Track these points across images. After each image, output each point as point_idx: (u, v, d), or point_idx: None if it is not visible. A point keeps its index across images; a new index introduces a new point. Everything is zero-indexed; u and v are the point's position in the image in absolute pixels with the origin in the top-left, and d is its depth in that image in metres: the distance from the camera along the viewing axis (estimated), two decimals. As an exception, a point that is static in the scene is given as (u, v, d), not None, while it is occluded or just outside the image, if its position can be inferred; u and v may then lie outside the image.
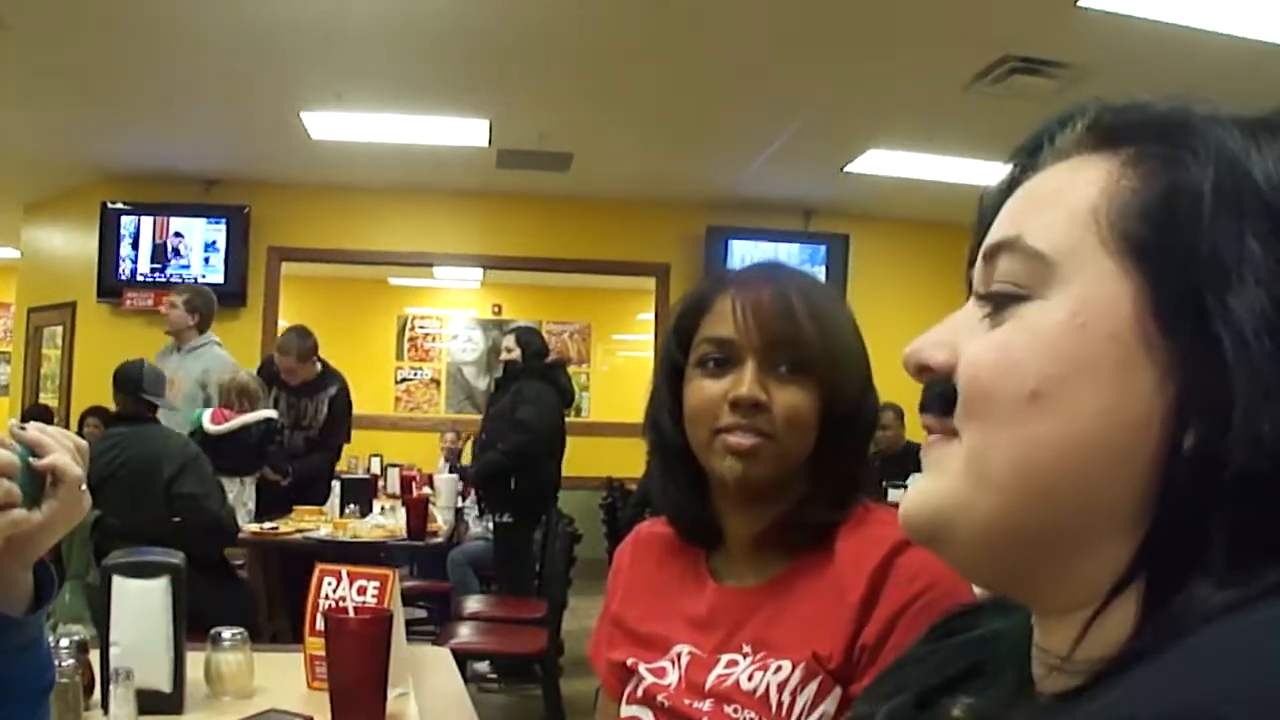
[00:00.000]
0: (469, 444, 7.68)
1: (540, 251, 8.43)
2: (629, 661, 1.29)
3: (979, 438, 0.55)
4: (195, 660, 1.88)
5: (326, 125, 6.41)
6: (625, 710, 1.28)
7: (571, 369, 7.17)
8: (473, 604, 5.14)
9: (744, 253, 8.02)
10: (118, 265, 7.76)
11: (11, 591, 1.01)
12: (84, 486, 1.03)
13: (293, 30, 5.02)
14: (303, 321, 6.10)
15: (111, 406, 4.31)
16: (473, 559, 6.15)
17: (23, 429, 1.01)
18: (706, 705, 1.18)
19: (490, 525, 5.83)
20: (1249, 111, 0.54)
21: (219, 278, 7.81)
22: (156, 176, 7.73)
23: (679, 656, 1.25)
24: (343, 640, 1.63)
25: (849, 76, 5.53)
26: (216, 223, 7.85)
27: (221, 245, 7.84)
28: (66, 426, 7.14)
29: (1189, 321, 0.49)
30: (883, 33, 4.93)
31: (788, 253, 8.04)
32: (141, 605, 1.78)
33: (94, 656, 1.77)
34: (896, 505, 0.59)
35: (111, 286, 7.77)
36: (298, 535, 4.72)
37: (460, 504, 6.02)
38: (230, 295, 7.80)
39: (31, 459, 0.99)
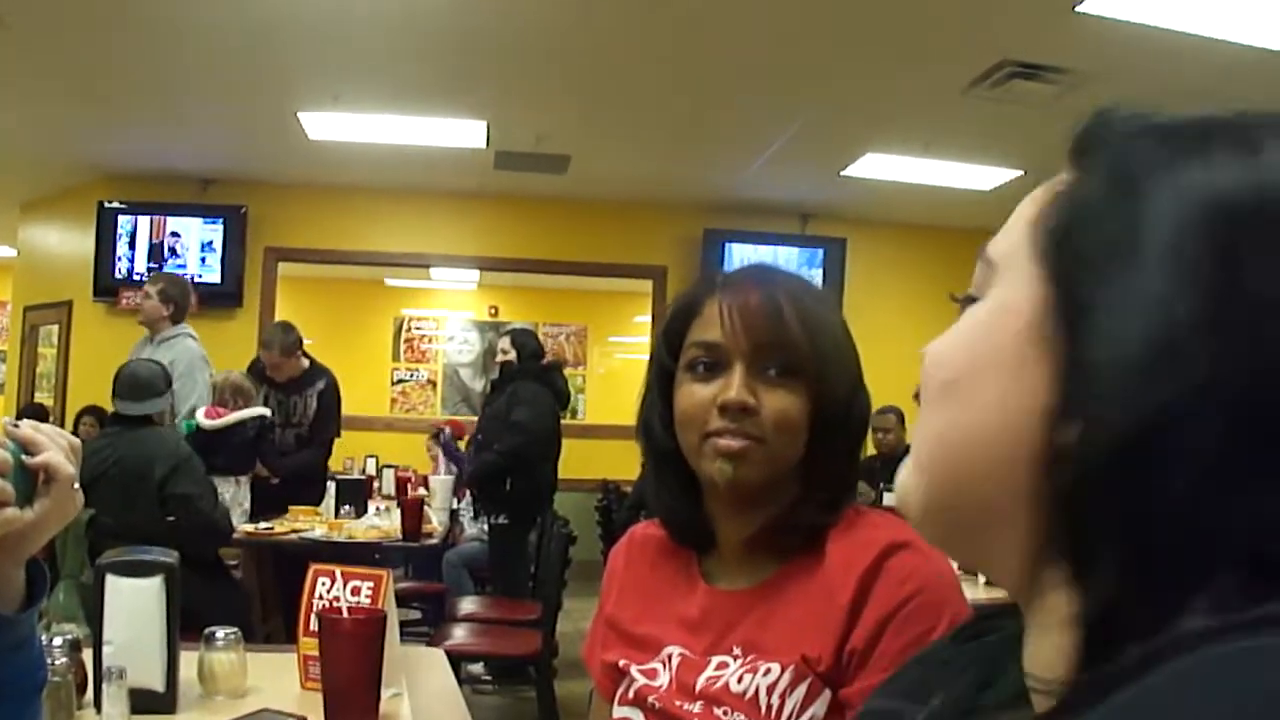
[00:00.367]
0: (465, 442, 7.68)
1: (537, 253, 8.43)
2: (621, 663, 1.29)
3: (917, 423, 0.60)
4: (189, 660, 1.87)
5: (324, 126, 6.41)
6: (617, 711, 1.28)
7: (567, 371, 7.17)
8: (467, 605, 5.13)
9: (741, 256, 8.02)
10: (114, 264, 7.76)
11: (3, 589, 1.01)
12: (76, 485, 1.03)
13: (290, 31, 5.02)
14: (300, 322, 6.08)
15: (108, 406, 4.30)
16: (468, 560, 6.15)
17: (16, 426, 1.00)
18: (696, 707, 1.18)
19: (485, 527, 5.83)
20: (1185, 115, 0.55)
21: (215, 277, 7.81)
22: (153, 176, 7.73)
23: (670, 658, 1.25)
24: (336, 641, 1.63)
25: (847, 80, 5.54)
26: (213, 222, 7.84)
27: (218, 245, 7.84)
28: (62, 425, 7.13)
29: (1076, 322, 0.51)
30: (881, 37, 4.94)
31: (785, 256, 8.04)
32: (135, 604, 1.78)
33: (87, 655, 1.77)
34: (891, 509, 0.61)
35: (108, 286, 7.77)
36: (292, 535, 4.71)
37: (455, 505, 6.01)
38: (226, 295, 7.82)
39: (24, 457, 0.99)
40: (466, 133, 6.54)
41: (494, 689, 5.26)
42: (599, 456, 7.93)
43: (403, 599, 5.00)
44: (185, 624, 1.82)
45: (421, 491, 5.92)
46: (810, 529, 1.23)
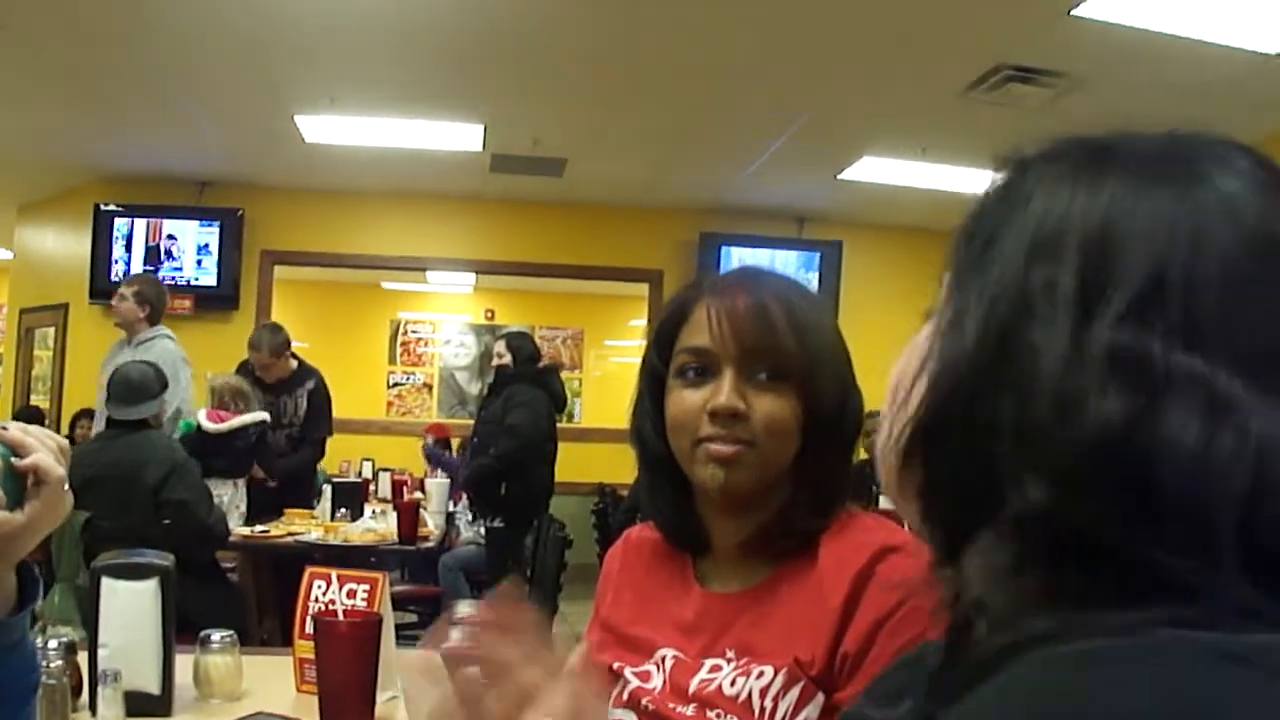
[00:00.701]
0: (458, 444, 7.68)
1: (533, 257, 8.43)
2: (615, 665, 1.29)
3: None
4: (184, 662, 1.87)
5: (320, 129, 6.40)
6: (611, 714, 1.27)
7: (564, 374, 7.17)
8: (463, 609, 5.12)
9: (738, 259, 8.00)
10: (110, 267, 7.75)
11: (-5, 593, 1.01)
12: (66, 486, 1.03)
13: (287, 34, 5.02)
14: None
15: (103, 409, 4.29)
16: (463, 564, 6.14)
17: (4, 429, 1.00)
18: (690, 710, 1.18)
19: (482, 530, 5.82)
20: (1121, 138, 0.59)
21: (212, 280, 7.81)
22: (150, 179, 7.72)
23: (664, 660, 1.25)
24: (332, 644, 1.63)
25: (843, 84, 5.54)
26: (209, 225, 7.84)
27: (214, 248, 7.83)
28: (58, 428, 7.13)
29: (941, 328, 0.58)
30: (878, 40, 4.94)
31: (782, 260, 8.04)
32: (131, 607, 1.78)
33: (83, 658, 1.77)
34: (886, 512, 0.64)
35: (104, 288, 7.73)
36: (289, 539, 4.71)
37: (451, 509, 6.01)
38: (223, 298, 7.81)
39: (13, 459, 0.99)
40: (463, 136, 6.54)
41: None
42: (595, 460, 7.92)
43: (398, 602, 4.99)
44: (181, 627, 1.82)
45: (417, 495, 5.92)
46: (803, 532, 1.23)
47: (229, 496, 5.01)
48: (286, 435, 5.77)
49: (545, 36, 5.04)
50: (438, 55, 5.32)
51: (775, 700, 1.13)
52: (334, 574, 1.96)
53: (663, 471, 1.29)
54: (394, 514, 4.95)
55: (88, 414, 6.53)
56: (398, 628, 2.11)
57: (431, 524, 5.20)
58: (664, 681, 1.24)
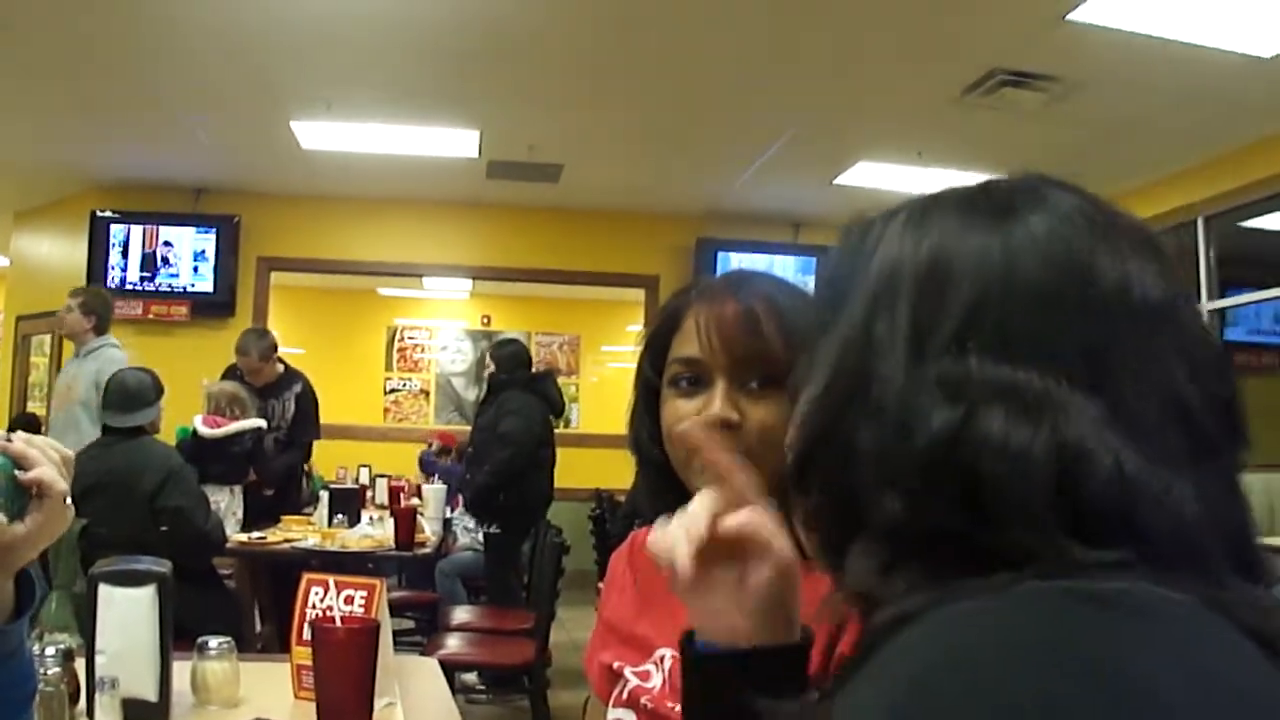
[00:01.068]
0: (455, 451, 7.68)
1: (530, 262, 8.44)
2: (615, 664, 1.29)
3: None
4: (181, 669, 1.87)
5: (317, 135, 6.41)
6: (611, 713, 1.28)
7: (560, 380, 7.17)
8: (460, 615, 5.13)
9: (734, 265, 8.00)
10: (107, 274, 7.74)
11: (-7, 601, 1.01)
12: (68, 499, 1.03)
13: (283, 40, 5.03)
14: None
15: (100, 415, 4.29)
16: (461, 570, 6.13)
17: (9, 440, 1.00)
18: None
19: (481, 536, 5.82)
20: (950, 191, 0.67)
21: (208, 287, 7.81)
22: (146, 186, 7.72)
23: (663, 660, 1.25)
24: (329, 650, 1.62)
25: (839, 89, 5.55)
26: (206, 232, 7.84)
27: (211, 255, 7.84)
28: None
29: (812, 376, 0.67)
30: (873, 45, 4.95)
31: (779, 265, 8.04)
32: (128, 614, 1.77)
33: (80, 665, 1.76)
34: None
35: (100, 296, 7.76)
36: (285, 545, 4.70)
37: (448, 515, 6.00)
38: (219, 305, 7.81)
39: (17, 472, 0.99)
40: (459, 142, 6.55)
41: (487, 698, 5.25)
42: (592, 465, 7.92)
43: (395, 608, 4.99)
44: (178, 633, 1.81)
45: (415, 501, 5.91)
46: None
47: (225, 503, 5.01)
48: (274, 439, 5.77)
49: (541, 42, 5.05)
50: (434, 62, 5.32)
51: None
52: (331, 580, 1.95)
53: (661, 479, 1.29)
54: (391, 520, 4.94)
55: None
56: (395, 634, 2.11)
57: (429, 530, 5.19)
58: (663, 681, 1.24)
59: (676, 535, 0.78)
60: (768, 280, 1.28)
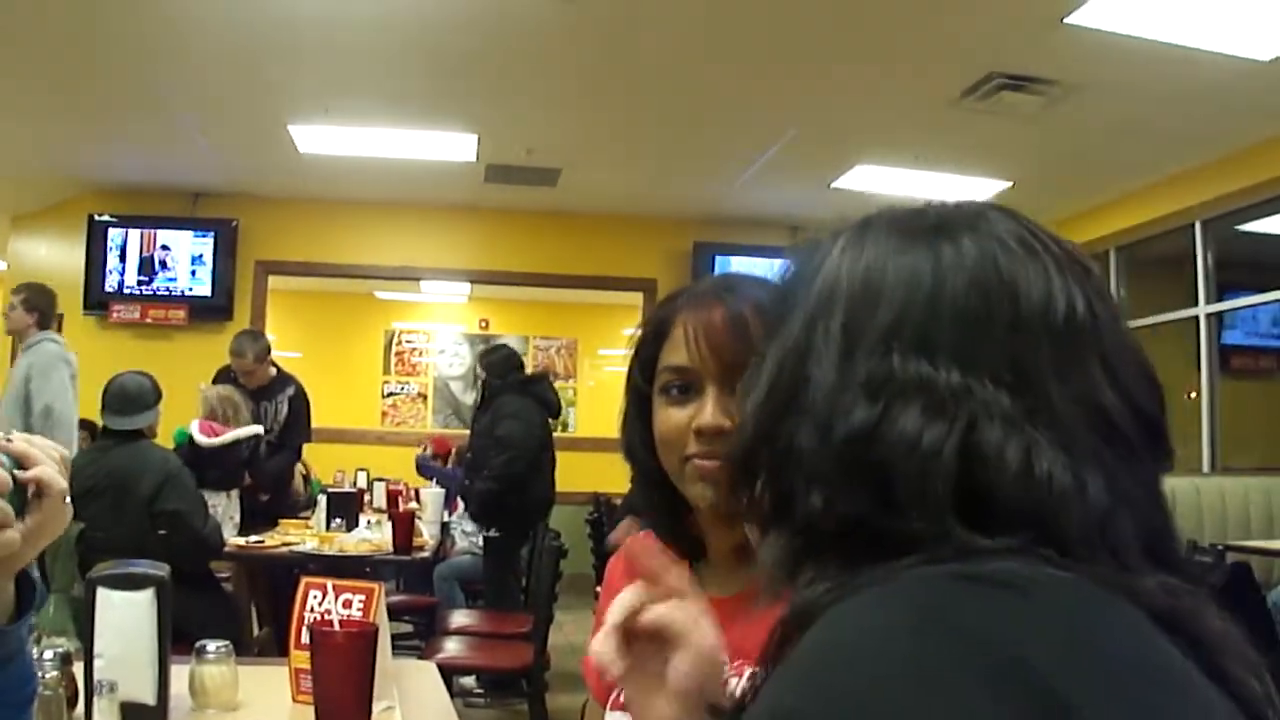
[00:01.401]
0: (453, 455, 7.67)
1: (527, 266, 8.44)
2: (614, 667, 1.29)
3: None
4: (180, 673, 1.87)
5: (314, 139, 6.41)
6: (609, 717, 1.28)
7: (558, 384, 7.16)
8: (459, 618, 5.12)
9: (732, 269, 8.02)
10: (104, 278, 7.75)
11: (-8, 603, 1.01)
12: (67, 499, 1.02)
13: (281, 44, 5.03)
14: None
15: (98, 419, 4.28)
16: (459, 573, 6.13)
17: (8, 439, 1.00)
18: None
19: (480, 540, 5.82)
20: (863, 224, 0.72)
21: (206, 290, 7.81)
22: (144, 189, 7.72)
23: None
24: (328, 654, 1.62)
25: (837, 92, 5.56)
26: (204, 236, 7.84)
27: (209, 258, 7.84)
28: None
29: (755, 380, 0.71)
30: (871, 49, 4.96)
31: (778, 268, 8.03)
32: (126, 617, 1.77)
33: (78, 669, 1.76)
34: None
35: (98, 299, 7.76)
36: (283, 549, 4.70)
37: (446, 518, 6.00)
38: (217, 308, 7.81)
39: (16, 471, 0.99)
40: (457, 146, 6.55)
41: (486, 702, 5.25)
42: (589, 469, 7.90)
43: (393, 612, 4.99)
44: (176, 637, 1.81)
45: (413, 505, 5.91)
46: None
47: (223, 507, 5.01)
48: (267, 442, 5.78)
49: (539, 47, 5.05)
50: (432, 66, 5.33)
51: None
52: (329, 584, 1.95)
53: (655, 485, 1.29)
54: (389, 524, 4.94)
55: (83, 425, 6.51)
56: (393, 637, 2.11)
57: (426, 534, 5.19)
58: None
59: (604, 637, 0.83)
60: (755, 284, 1.27)
